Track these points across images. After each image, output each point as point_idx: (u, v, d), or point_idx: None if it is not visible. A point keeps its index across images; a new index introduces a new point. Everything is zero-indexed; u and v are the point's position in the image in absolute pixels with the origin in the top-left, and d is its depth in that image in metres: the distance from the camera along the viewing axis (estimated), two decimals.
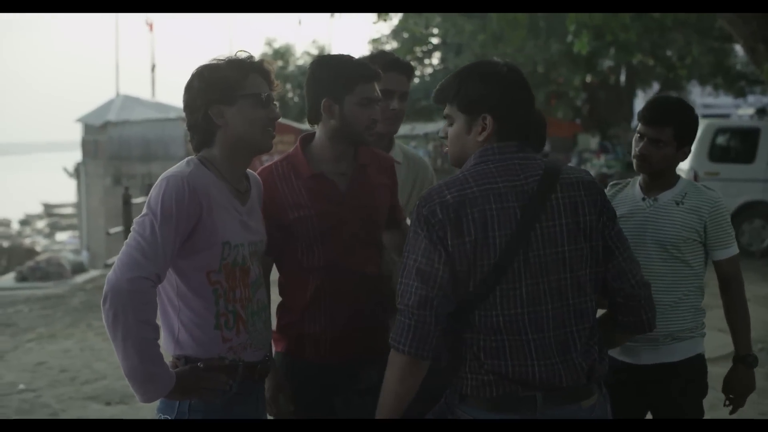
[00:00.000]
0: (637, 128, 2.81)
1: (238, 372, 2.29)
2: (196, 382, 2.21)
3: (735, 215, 11.33)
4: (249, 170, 2.47)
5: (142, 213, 2.19)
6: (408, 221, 2.54)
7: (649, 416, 2.90)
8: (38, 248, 24.54)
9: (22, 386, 5.95)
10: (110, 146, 23.82)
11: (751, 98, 26.21)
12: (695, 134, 2.81)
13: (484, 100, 2.09)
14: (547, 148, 17.76)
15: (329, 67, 2.58)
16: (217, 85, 2.27)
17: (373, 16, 14.41)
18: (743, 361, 2.84)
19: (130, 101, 26.82)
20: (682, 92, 26.20)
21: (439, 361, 2.07)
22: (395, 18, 18.73)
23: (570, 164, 2.61)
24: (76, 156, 26.78)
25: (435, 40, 26.83)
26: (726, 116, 26.00)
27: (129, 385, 2.13)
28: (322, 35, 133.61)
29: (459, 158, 2.17)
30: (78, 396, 5.70)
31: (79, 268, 11.77)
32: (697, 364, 2.80)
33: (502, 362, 2.02)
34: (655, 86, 25.37)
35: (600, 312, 2.24)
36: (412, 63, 3.33)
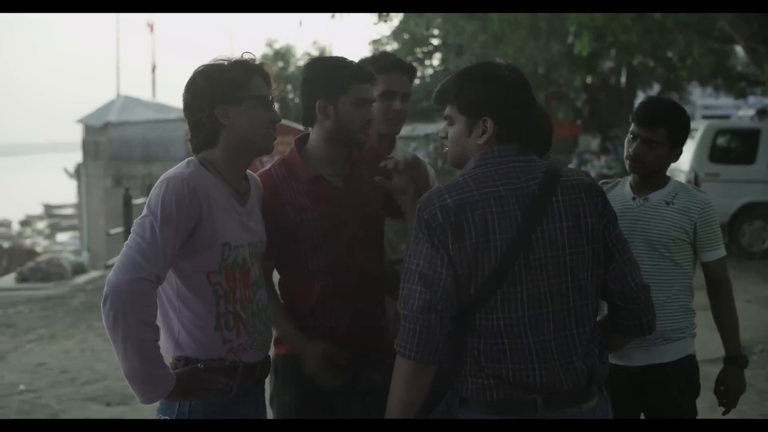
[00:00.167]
0: (631, 129, 2.83)
1: (238, 373, 2.29)
2: (196, 384, 2.21)
3: (735, 216, 11.34)
4: (249, 171, 2.48)
5: (142, 214, 2.19)
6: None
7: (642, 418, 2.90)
8: (39, 249, 24.53)
9: (22, 387, 5.95)
10: (111, 147, 23.80)
11: (751, 99, 26.20)
12: (687, 135, 2.84)
13: (484, 103, 2.09)
14: None
15: (323, 69, 2.60)
16: (223, 85, 2.27)
17: (373, 17, 14.44)
18: (734, 361, 2.86)
19: (130, 102, 26.79)
20: (682, 93, 26.20)
21: (443, 364, 2.07)
22: (396, 19, 18.76)
23: (570, 165, 2.61)
24: (77, 157, 26.79)
25: (435, 41, 26.85)
26: (726, 117, 26.00)
27: (129, 386, 2.14)
28: (322, 36, 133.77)
29: (459, 160, 2.17)
30: (78, 397, 5.70)
31: (79, 269, 11.73)
32: (688, 365, 2.81)
33: (502, 366, 2.01)
34: (656, 87, 25.36)
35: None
36: (413, 64, 3.33)
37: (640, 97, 26.09)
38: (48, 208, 43.99)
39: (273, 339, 2.55)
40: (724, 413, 2.88)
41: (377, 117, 2.91)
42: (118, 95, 27.75)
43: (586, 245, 2.06)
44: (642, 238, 2.74)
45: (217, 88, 2.27)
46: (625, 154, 2.85)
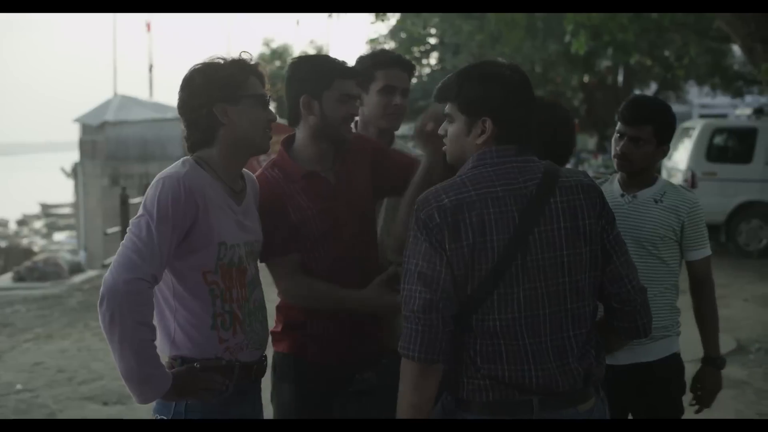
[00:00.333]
0: (617, 128, 2.86)
1: (235, 372, 2.29)
2: (192, 383, 2.21)
3: (732, 215, 11.35)
4: (245, 170, 2.47)
5: (139, 214, 2.19)
6: None
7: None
8: (35, 248, 24.52)
9: (19, 386, 5.94)
10: (108, 146, 23.76)
11: (748, 98, 26.18)
12: (674, 132, 2.88)
13: (484, 103, 2.08)
14: None
15: (307, 65, 2.62)
16: (221, 84, 2.27)
17: (370, 16, 14.44)
18: (713, 363, 2.90)
19: (127, 101, 26.74)
20: (679, 92, 26.22)
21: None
22: (393, 18, 18.74)
23: (567, 165, 2.62)
24: (74, 156, 26.73)
25: (433, 41, 26.81)
26: (723, 116, 26.01)
27: (126, 385, 2.13)
28: (320, 35, 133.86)
29: (457, 158, 2.16)
30: (75, 396, 5.70)
31: (76, 269, 11.71)
32: (673, 363, 2.84)
33: (498, 367, 2.01)
34: (653, 86, 25.37)
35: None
36: None
37: None
38: (45, 207, 43.95)
39: (271, 337, 2.55)
40: (697, 411, 2.92)
41: (377, 112, 2.92)
42: (115, 94, 27.70)
43: (583, 246, 2.06)
44: (630, 235, 2.74)
45: (215, 86, 2.27)
46: (612, 153, 2.88)
